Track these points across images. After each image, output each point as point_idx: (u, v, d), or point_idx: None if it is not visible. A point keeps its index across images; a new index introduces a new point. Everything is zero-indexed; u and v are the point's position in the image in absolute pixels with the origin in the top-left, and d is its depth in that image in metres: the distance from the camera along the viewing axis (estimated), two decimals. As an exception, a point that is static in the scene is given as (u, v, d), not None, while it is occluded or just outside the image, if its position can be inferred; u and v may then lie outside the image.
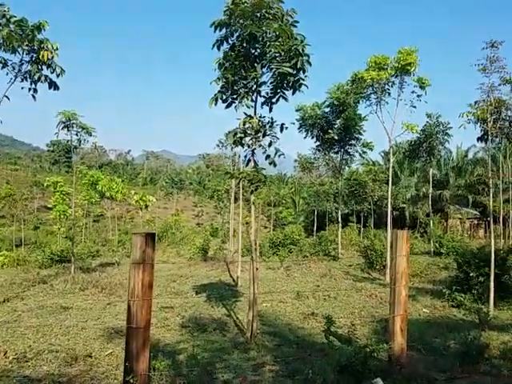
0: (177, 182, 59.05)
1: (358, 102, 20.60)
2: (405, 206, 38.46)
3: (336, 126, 22.81)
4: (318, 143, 24.32)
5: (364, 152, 25.14)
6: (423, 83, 17.22)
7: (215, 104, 6.97)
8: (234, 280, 15.34)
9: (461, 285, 11.23)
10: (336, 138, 22.87)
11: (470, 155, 42.06)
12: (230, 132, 7.18)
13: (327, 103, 22.59)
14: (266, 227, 49.93)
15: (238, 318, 9.62)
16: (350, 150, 24.35)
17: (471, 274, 10.85)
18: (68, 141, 16.16)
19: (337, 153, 24.86)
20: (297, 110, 23.50)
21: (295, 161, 41.31)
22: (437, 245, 23.10)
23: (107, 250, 28.09)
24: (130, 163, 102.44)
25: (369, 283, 14.74)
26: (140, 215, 32.08)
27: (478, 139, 11.60)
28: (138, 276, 4.07)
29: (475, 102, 11.00)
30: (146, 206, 24.64)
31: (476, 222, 38.92)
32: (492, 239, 10.16)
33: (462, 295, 10.68)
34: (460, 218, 37.59)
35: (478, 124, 11.15)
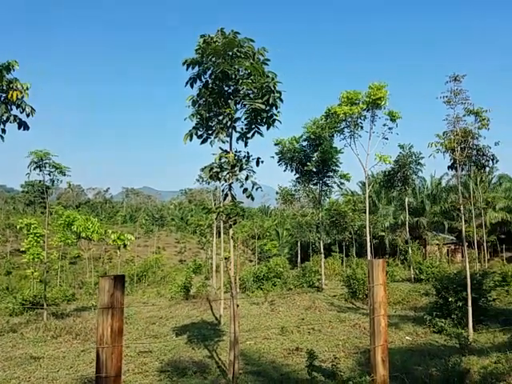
0: (157, 219, 58.16)
1: (333, 136, 21.28)
2: (384, 234, 38.91)
3: (314, 159, 23.36)
4: (297, 175, 24.80)
5: (342, 183, 25.69)
6: (394, 116, 17.97)
7: (190, 140, 7.05)
8: (216, 318, 14.92)
9: (441, 310, 11.27)
10: (314, 170, 23.41)
11: (444, 183, 43.41)
12: (206, 167, 7.22)
13: (304, 137, 23.26)
14: (251, 261, 49.36)
15: (220, 359, 9.30)
16: (328, 182, 24.89)
17: (450, 299, 10.93)
18: (40, 181, 15.85)
19: (316, 184, 25.32)
20: (275, 144, 24.04)
21: (276, 193, 41.68)
22: (417, 271, 23.28)
23: (84, 293, 27.05)
24: (109, 201, 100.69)
25: (352, 313, 14.60)
26: (118, 255, 31.26)
27: (449, 167, 12.01)
28: (106, 321, 3.91)
29: (444, 133, 11.47)
30: (125, 245, 24.01)
31: (453, 246, 39.65)
32: (467, 264, 10.33)
33: (443, 321, 10.70)
34: (437, 244, 38.21)
35: (448, 153, 11.58)
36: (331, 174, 24.26)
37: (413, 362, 7.63)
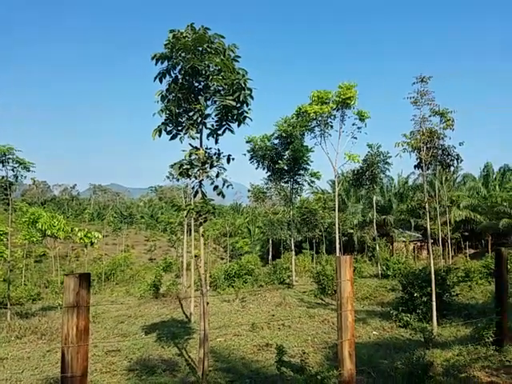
0: (126, 216, 56.95)
1: (304, 135, 21.52)
2: (353, 231, 39.82)
3: (285, 157, 23.53)
4: (269, 173, 24.90)
5: (312, 181, 26.05)
6: (363, 116, 18.36)
7: (159, 136, 6.92)
8: (187, 316, 14.82)
9: (406, 305, 11.63)
10: (285, 168, 23.59)
11: (410, 182, 44.86)
12: (175, 163, 7.11)
13: (276, 135, 23.37)
14: (222, 258, 49.29)
15: (190, 357, 9.24)
16: (299, 180, 25.14)
17: (415, 295, 11.30)
18: (3, 177, 15.31)
19: (287, 182, 25.53)
20: (247, 142, 24.04)
21: (248, 191, 41.76)
22: (384, 267, 23.97)
23: (50, 291, 26.21)
24: (76, 198, 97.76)
25: (321, 309, 14.86)
26: (85, 253, 30.40)
27: (415, 167, 12.34)
28: (71, 320, 3.82)
29: (410, 133, 11.78)
30: (92, 243, 23.34)
31: (419, 244, 41.06)
32: (431, 260, 10.69)
33: (408, 315, 11.04)
34: (404, 241, 39.45)
35: (414, 153, 11.89)
36: (302, 172, 24.53)
37: (379, 356, 7.85)
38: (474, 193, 42.71)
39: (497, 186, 43.25)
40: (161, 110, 6.76)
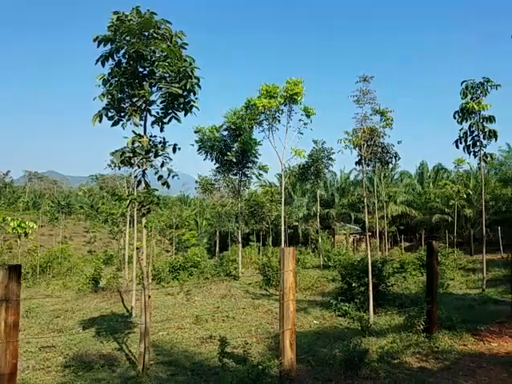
0: (64, 206, 53.91)
1: (253, 128, 21.58)
2: (298, 224, 40.89)
3: (234, 149, 23.43)
4: (217, 165, 24.70)
5: (260, 174, 26.26)
6: (309, 112, 18.76)
7: (99, 121, 6.58)
8: (128, 310, 14.37)
9: (345, 295, 12.15)
10: (234, 160, 23.51)
11: (352, 177, 46.87)
12: (117, 151, 6.79)
13: (225, 127, 23.18)
14: (168, 251, 48.41)
15: (130, 351, 8.97)
16: (247, 173, 25.21)
17: (353, 285, 11.84)
18: None
19: (235, 175, 25.49)
20: (195, 132, 23.62)
21: (196, 182, 41.23)
22: (325, 259, 24.92)
23: (-24, 286, 24.18)
24: (9, 186, 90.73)
25: (266, 299, 15.09)
26: (19, 244, 28.39)
27: (356, 163, 12.84)
28: (0, 315, 3.54)
29: (353, 130, 12.19)
30: (26, 234, 21.79)
31: (358, 236, 43.12)
32: (369, 252, 11.24)
33: (347, 305, 11.52)
34: (345, 234, 41.22)
35: (355, 149, 12.33)
36: (250, 165, 24.61)
37: (319, 345, 8.13)
38: (410, 189, 45.52)
39: (431, 184, 46.35)
40: (102, 94, 6.42)
